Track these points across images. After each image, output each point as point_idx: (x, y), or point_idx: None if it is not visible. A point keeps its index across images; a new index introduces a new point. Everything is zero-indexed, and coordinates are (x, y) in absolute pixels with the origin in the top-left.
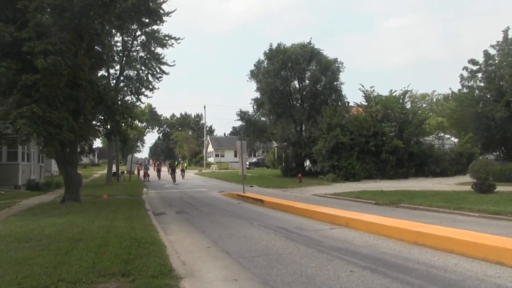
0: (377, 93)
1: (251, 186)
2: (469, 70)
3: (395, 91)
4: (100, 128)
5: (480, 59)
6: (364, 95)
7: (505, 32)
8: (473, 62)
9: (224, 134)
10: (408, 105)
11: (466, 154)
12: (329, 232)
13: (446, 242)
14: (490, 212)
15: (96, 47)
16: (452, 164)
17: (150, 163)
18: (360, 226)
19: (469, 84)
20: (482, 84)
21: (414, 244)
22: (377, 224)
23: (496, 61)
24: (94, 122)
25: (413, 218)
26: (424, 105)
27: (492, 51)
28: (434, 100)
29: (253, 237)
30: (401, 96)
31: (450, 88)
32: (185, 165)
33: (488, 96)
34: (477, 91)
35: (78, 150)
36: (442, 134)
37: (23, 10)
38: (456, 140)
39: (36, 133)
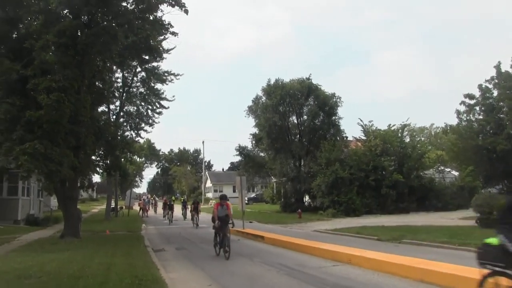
0: (376, 127)
1: (250, 222)
2: (466, 104)
3: (393, 125)
4: (99, 163)
5: (476, 92)
6: (362, 129)
7: (497, 67)
8: (469, 96)
9: (223, 169)
10: (407, 139)
11: (468, 188)
12: (332, 269)
13: (454, 280)
14: None
15: (97, 83)
16: (454, 198)
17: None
18: (363, 263)
19: (467, 118)
20: (480, 117)
21: (420, 281)
22: (380, 261)
23: (494, 95)
24: (93, 157)
25: (417, 255)
26: (423, 139)
27: (488, 85)
28: (433, 133)
29: (254, 274)
30: (400, 130)
31: (445, 123)
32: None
33: (488, 128)
34: (475, 124)
35: (78, 185)
36: (442, 168)
37: (29, 48)
38: (457, 173)
39: (37, 169)
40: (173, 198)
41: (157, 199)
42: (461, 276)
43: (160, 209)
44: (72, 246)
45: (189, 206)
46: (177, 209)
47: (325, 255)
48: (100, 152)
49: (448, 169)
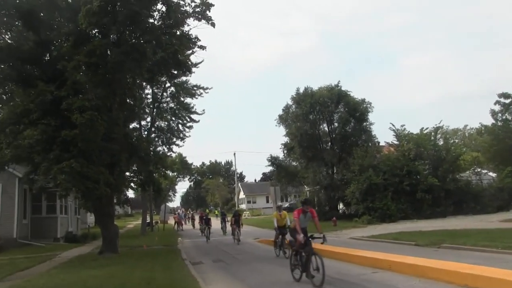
0: (408, 131)
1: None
2: (501, 103)
3: (426, 129)
4: (133, 179)
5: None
6: (394, 134)
7: None
8: (504, 95)
9: (255, 180)
10: (441, 142)
11: (508, 189)
12: (372, 276)
13: (502, 285)
14: None
15: (128, 100)
16: (493, 200)
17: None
18: (404, 269)
19: (503, 117)
20: None
21: (465, 287)
22: (422, 266)
23: None
24: (127, 173)
25: (459, 259)
26: (457, 141)
27: None
28: (467, 134)
29: (294, 285)
30: (433, 133)
31: (480, 123)
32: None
33: None
34: None
35: (114, 201)
36: (479, 170)
37: (62, 70)
38: (494, 174)
39: (75, 187)
40: (216, 212)
41: (192, 212)
42: (509, 281)
43: (198, 223)
44: (111, 262)
45: (228, 219)
46: (215, 222)
47: (364, 262)
48: (134, 168)
49: (485, 171)
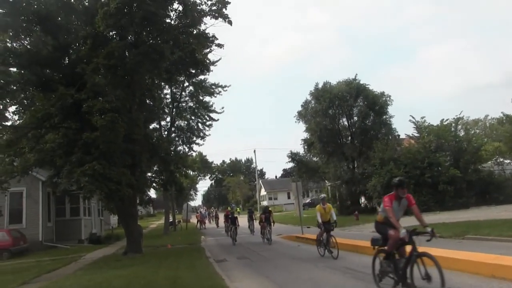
0: (428, 123)
1: (308, 227)
2: None
3: (446, 120)
4: (155, 179)
5: None
6: (415, 126)
7: None
8: None
9: (276, 176)
10: (462, 133)
11: None
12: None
13: None
14: None
15: (147, 101)
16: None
17: (206, 210)
18: (429, 261)
19: None
20: None
21: (492, 277)
22: (448, 258)
23: None
24: (149, 174)
25: (484, 250)
26: (478, 131)
27: None
28: (488, 125)
29: (320, 279)
30: (453, 124)
31: (502, 112)
32: (238, 210)
33: None
34: None
35: (137, 202)
36: (501, 160)
37: (81, 73)
38: None
39: (98, 189)
40: (237, 210)
41: (216, 210)
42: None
43: (222, 222)
44: (136, 262)
45: (256, 217)
46: (241, 221)
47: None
48: (155, 168)
49: (508, 161)
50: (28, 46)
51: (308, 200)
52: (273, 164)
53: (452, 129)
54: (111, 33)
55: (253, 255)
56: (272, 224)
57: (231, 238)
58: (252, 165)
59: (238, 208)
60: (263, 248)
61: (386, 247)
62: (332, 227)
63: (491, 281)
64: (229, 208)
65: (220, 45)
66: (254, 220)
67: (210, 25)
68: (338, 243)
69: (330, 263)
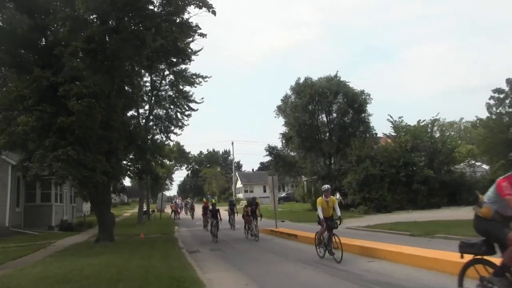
0: (406, 123)
1: (282, 221)
2: (495, 98)
3: (423, 121)
4: (131, 168)
5: (505, 86)
6: (392, 125)
7: None
8: (498, 91)
9: (253, 169)
10: (437, 134)
11: None
12: (368, 265)
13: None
14: None
15: (126, 88)
16: (486, 192)
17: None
18: (399, 259)
19: (497, 111)
20: (511, 110)
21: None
22: (417, 256)
23: None
24: (124, 162)
25: (453, 249)
26: (452, 133)
27: None
28: (462, 127)
29: (291, 273)
30: (429, 125)
31: (476, 116)
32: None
33: None
34: (507, 118)
35: (111, 190)
36: (473, 162)
37: (59, 55)
38: (487, 167)
39: (71, 175)
40: (213, 201)
41: (192, 201)
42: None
43: (198, 215)
44: (108, 250)
45: (237, 210)
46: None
47: (360, 252)
48: (131, 156)
49: (479, 163)
50: (2, 24)
51: (283, 194)
52: (251, 157)
53: (428, 130)
54: (91, 17)
55: (226, 246)
56: (259, 218)
57: (212, 234)
58: (230, 157)
59: (213, 200)
60: (236, 240)
61: (500, 257)
62: (336, 224)
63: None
64: (204, 199)
65: (202, 35)
66: (236, 214)
67: (194, 14)
68: (311, 238)
69: (302, 257)
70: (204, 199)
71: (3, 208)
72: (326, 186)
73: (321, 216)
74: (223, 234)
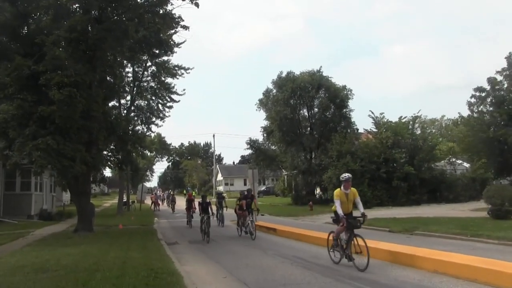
0: (387, 119)
1: (262, 215)
2: (477, 96)
3: (404, 117)
4: (111, 158)
5: (486, 85)
6: (373, 121)
7: (509, 58)
8: (479, 89)
9: (233, 162)
10: (418, 131)
11: (480, 180)
12: (345, 260)
13: (469, 271)
14: (511, 239)
15: (108, 78)
16: (465, 190)
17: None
18: (376, 254)
19: (478, 109)
20: (491, 109)
21: (435, 272)
22: (394, 252)
23: (505, 86)
24: (105, 152)
25: (430, 246)
26: (433, 131)
27: (499, 77)
28: (444, 125)
29: (269, 266)
30: (411, 122)
31: (459, 113)
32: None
33: (499, 120)
34: (487, 116)
35: (91, 180)
36: (453, 160)
37: (41, 44)
38: (468, 165)
39: (50, 165)
40: (193, 193)
41: (173, 194)
42: (477, 267)
43: (180, 208)
44: (86, 240)
45: (226, 205)
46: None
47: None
48: (112, 147)
49: (460, 161)
50: None
51: (263, 188)
52: (232, 150)
53: (410, 126)
54: (74, 6)
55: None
56: (256, 212)
57: (203, 232)
58: (211, 150)
59: (193, 192)
60: (215, 233)
61: None
62: (359, 222)
63: (433, 276)
64: (186, 192)
65: (185, 27)
66: (225, 208)
67: (177, 6)
68: (289, 232)
69: (280, 251)
70: (186, 192)
71: None
72: (346, 175)
73: (340, 212)
74: (216, 235)
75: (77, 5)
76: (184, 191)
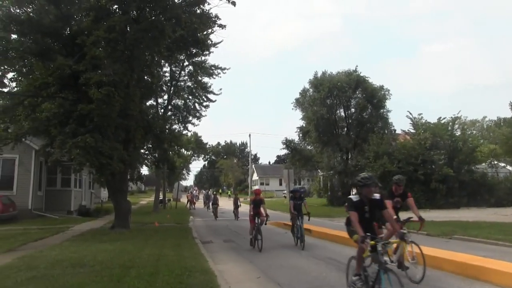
0: (425, 120)
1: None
2: None
3: (443, 118)
4: (148, 156)
5: None
6: (411, 122)
7: None
8: None
9: (269, 162)
10: (458, 132)
11: None
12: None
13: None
14: None
15: (146, 77)
16: (509, 194)
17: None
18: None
19: None
20: None
21: (475, 279)
22: (432, 256)
23: None
24: (142, 151)
25: (470, 251)
26: (474, 132)
27: None
28: (485, 126)
29: (303, 268)
30: (450, 123)
31: (497, 117)
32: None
33: None
34: None
35: (128, 178)
36: (496, 162)
37: (81, 44)
38: (511, 168)
39: (89, 162)
40: (228, 192)
41: (215, 193)
42: None
43: (226, 206)
44: (122, 237)
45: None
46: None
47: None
48: (149, 145)
49: (503, 164)
50: (31, 14)
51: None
52: (268, 150)
53: (449, 128)
54: (113, 7)
55: (239, 238)
56: (307, 216)
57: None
58: (246, 149)
59: (229, 191)
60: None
61: None
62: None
63: (473, 283)
64: (220, 191)
65: (222, 26)
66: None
67: (214, 6)
68: (325, 233)
69: (315, 252)
70: (221, 191)
71: (26, 191)
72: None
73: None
74: (232, 223)
75: (116, 6)
76: (220, 190)
